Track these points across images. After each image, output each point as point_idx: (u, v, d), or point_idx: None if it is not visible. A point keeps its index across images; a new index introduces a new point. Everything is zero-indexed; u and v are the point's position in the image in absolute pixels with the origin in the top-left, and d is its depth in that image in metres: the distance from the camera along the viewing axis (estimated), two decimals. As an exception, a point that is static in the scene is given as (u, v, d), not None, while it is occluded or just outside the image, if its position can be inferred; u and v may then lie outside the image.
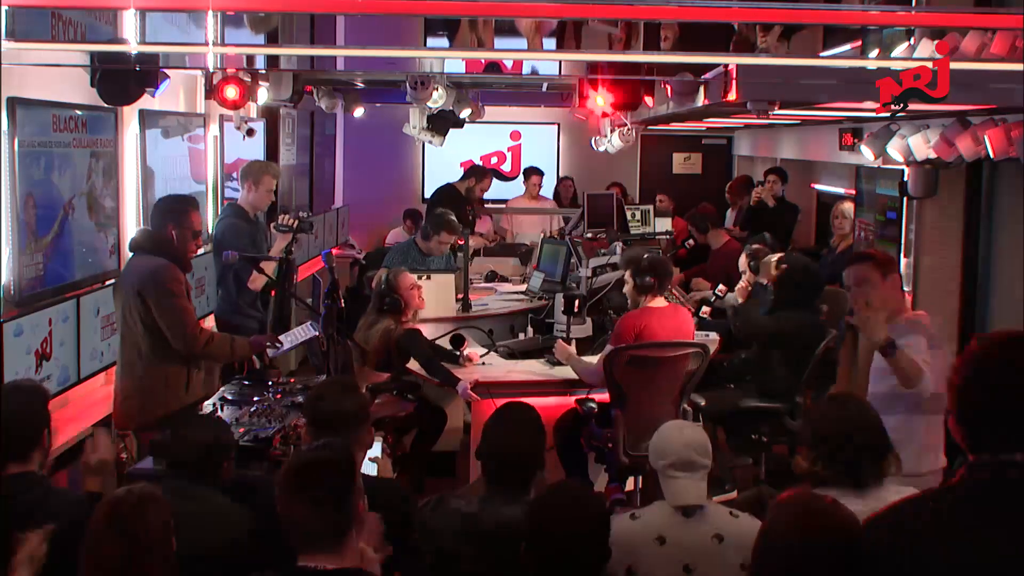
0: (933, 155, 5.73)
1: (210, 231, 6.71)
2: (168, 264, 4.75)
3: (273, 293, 5.64)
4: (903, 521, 2.14)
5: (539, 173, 11.17)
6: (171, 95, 6.17)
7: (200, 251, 5.54)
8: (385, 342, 5.84)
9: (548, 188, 11.57)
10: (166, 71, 5.33)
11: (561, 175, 12.17)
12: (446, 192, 9.43)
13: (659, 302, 5.45)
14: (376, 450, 4.35)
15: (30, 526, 2.83)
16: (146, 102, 5.60)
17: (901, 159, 6.15)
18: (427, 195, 11.26)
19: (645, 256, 5.53)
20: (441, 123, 9.40)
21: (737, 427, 6.02)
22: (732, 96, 4.85)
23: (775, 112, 5.55)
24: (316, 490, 2.58)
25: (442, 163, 11.67)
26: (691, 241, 8.21)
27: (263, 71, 7.20)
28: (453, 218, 7.46)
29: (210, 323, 6.08)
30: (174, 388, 4.75)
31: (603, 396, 5.43)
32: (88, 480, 3.39)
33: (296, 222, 5.78)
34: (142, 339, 4.74)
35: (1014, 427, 2.04)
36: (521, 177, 11.51)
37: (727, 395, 6.06)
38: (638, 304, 5.46)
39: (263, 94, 6.99)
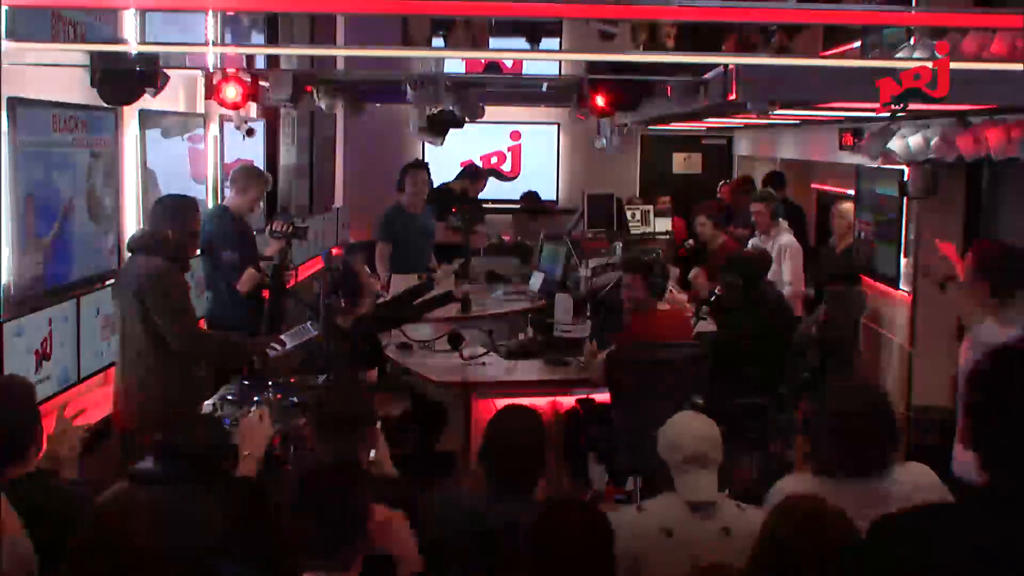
0: (933, 155, 5.73)
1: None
2: (167, 264, 4.76)
3: (266, 294, 5.64)
4: (920, 526, 2.06)
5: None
6: (171, 95, 6.16)
7: (199, 251, 5.54)
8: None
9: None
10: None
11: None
12: (441, 192, 9.42)
13: (662, 304, 5.56)
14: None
15: (34, 526, 2.81)
16: (146, 102, 5.60)
17: (901, 159, 6.15)
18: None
19: (655, 257, 5.61)
20: (441, 123, 9.39)
21: (733, 426, 6.03)
22: (732, 96, 4.85)
23: (775, 112, 5.56)
24: (322, 505, 2.50)
25: (442, 163, 11.65)
26: (691, 241, 8.19)
27: (263, 71, 7.19)
28: (412, 162, 7.93)
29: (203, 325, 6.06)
30: (174, 388, 4.75)
31: (603, 396, 5.43)
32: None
33: (291, 228, 5.79)
34: (142, 339, 4.74)
35: None
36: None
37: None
38: (645, 306, 5.49)
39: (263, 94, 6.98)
